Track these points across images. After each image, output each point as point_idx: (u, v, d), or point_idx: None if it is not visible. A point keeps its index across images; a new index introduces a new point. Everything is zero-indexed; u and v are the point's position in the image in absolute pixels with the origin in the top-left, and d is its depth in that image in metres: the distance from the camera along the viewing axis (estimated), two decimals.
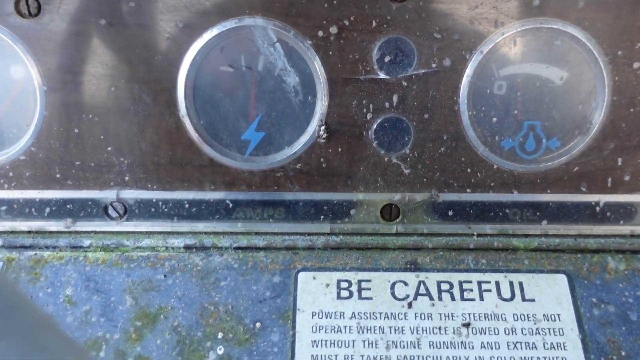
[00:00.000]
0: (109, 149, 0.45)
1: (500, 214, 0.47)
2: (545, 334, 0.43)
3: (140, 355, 0.40)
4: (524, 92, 0.46)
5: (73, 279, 0.45)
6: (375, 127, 0.46)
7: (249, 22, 0.44)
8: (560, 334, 0.42)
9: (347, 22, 0.44)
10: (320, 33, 0.45)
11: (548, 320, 0.44)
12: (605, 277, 0.45)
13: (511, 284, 0.45)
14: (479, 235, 0.48)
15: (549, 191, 0.47)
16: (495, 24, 0.44)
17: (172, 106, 0.45)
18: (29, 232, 0.48)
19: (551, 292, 0.45)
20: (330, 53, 0.45)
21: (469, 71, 0.46)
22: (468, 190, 0.47)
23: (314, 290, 0.44)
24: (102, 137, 0.45)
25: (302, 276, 0.45)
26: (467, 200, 0.47)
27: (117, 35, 0.44)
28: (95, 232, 0.46)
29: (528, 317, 0.43)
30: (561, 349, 0.42)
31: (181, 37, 0.44)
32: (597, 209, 0.47)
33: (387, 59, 0.45)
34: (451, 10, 0.44)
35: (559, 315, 0.45)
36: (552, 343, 0.42)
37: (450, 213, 0.47)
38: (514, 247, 0.47)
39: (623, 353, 0.41)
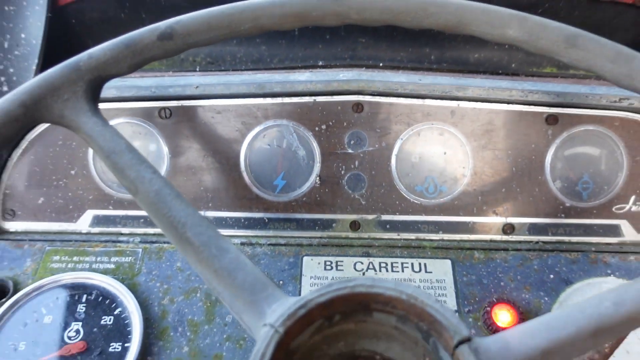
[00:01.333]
0: (201, 188, 0.82)
1: (416, 227, 0.82)
2: (436, 289, 0.76)
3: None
4: (428, 160, 0.82)
5: (181, 258, 0.79)
6: (346, 178, 0.82)
7: (280, 122, 0.82)
8: (444, 289, 0.76)
9: (330, 123, 0.82)
10: (317, 128, 0.82)
11: (438, 282, 0.77)
12: (472, 262, 0.80)
13: (420, 264, 0.78)
14: (404, 239, 0.83)
15: (442, 215, 0.83)
16: (409, 124, 0.81)
17: (237, 166, 0.82)
18: (154, 234, 0.83)
19: (442, 269, 0.79)
20: (322, 138, 0.82)
21: (395, 150, 0.82)
22: (397, 214, 0.82)
23: (312, 266, 0.78)
24: (200, 186, 0.82)
25: (306, 259, 0.80)
26: (398, 219, 0.81)
27: (209, 128, 0.81)
28: None
29: (427, 281, 0.77)
30: (444, 297, 0.76)
31: (243, 129, 0.81)
32: (469, 225, 0.82)
33: (352, 142, 0.81)
34: (387, 116, 0.82)
35: (444, 279, 0.79)
36: (439, 294, 0.76)
37: (387, 226, 0.82)
38: (423, 246, 0.81)
39: (477, 298, 0.75)
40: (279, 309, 0.42)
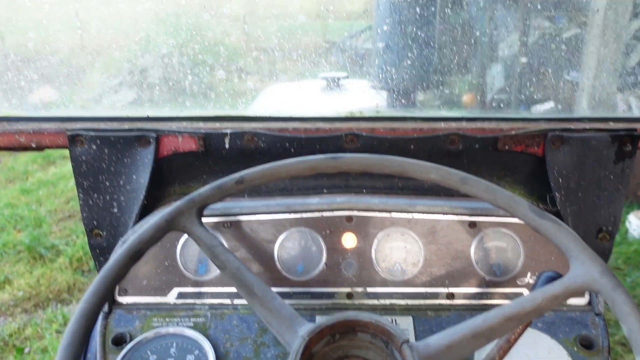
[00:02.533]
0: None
1: (390, 295, 1.22)
2: None
3: None
4: (395, 251, 1.26)
5: (236, 318, 1.20)
6: (343, 264, 1.22)
7: (300, 229, 1.26)
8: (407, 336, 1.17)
9: (332, 229, 1.27)
10: (323, 232, 1.26)
11: (404, 330, 1.18)
12: (426, 317, 1.20)
13: (392, 320, 1.19)
14: (381, 304, 1.24)
15: (406, 287, 1.25)
16: (382, 229, 1.26)
17: (272, 258, 1.24)
18: (218, 304, 1.24)
19: (406, 322, 1.19)
20: (327, 239, 1.25)
21: (375, 245, 1.26)
22: (377, 286, 1.22)
23: None
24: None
25: (317, 317, 1.21)
26: (378, 291, 1.22)
27: (254, 234, 1.25)
28: None
29: None
30: None
31: (276, 233, 1.25)
32: (424, 293, 1.23)
33: (346, 241, 1.26)
34: (368, 224, 1.27)
35: (408, 329, 1.19)
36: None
37: (371, 295, 1.23)
38: (394, 308, 1.21)
39: None
40: (305, 328, 0.84)
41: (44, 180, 5.02)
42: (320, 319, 0.80)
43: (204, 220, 1.21)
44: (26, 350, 2.90)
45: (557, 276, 0.90)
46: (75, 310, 0.82)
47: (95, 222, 1.29)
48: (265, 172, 1.02)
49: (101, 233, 1.30)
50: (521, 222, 1.18)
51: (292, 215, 1.22)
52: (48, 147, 1.35)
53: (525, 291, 1.20)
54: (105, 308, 1.19)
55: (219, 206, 1.23)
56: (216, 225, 1.23)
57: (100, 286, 0.85)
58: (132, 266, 0.90)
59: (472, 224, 1.21)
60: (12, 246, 3.88)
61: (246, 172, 1.02)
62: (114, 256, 0.89)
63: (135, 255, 0.91)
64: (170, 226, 0.96)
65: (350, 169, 1.02)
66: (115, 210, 1.29)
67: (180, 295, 1.21)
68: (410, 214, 1.22)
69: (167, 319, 1.17)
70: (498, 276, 1.21)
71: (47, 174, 5.15)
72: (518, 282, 1.20)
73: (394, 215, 1.22)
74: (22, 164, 5.29)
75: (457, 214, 1.21)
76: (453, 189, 0.97)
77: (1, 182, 5.10)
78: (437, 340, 0.81)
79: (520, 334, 0.95)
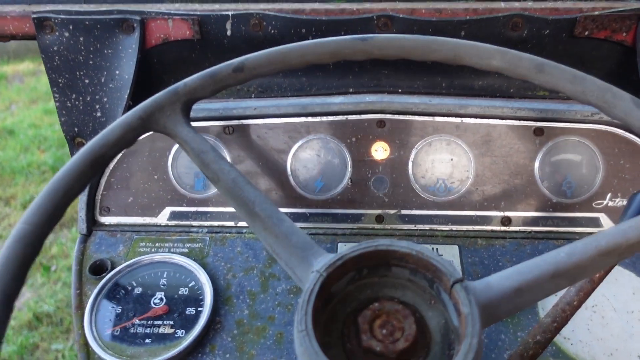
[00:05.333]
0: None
1: (430, 220, 1.00)
2: None
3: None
4: (438, 165, 1.01)
5: (240, 244, 0.99)
6: (372, 180, 1.01)
7: (319, 136, 1.02)
8: None
9: (359, 136, 1.02)
10: (348, 141, 1.02)
11: None
12: (475, 247, 0.97)
13: (432, 249, 0.96)
14: (419, 229, 1.01)
15: (451, 210, 1.01)
16: (422, 137, 1.00)
17: (284, 171, 1.01)
18: (219, 226, 1.03)
19: (450, 252, 0.97)
20: (353, 149, 1.01)
21: (412, 157, 1.01)
22: (414, 209, 1.00)
23: None
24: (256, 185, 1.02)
25: (340, 245, 0.97)
26: (414, 213, 1.00)
27: (263, 142, 1.02)
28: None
29: None
30: None
31: (289, 142, 1.01)
32: (473, 218, 0.99)
33: (376, 151, 1.00)
34: (404, 130, 1.01)
35: (452, 261, 0.96)
36: None
37: (406, 219, 1.00)
38: (435, 235, 0.98)
39: (479, 275, 0.92)
40: (323, 261, 0.61)
41: None
42: (343, 248, 0.56)
43: (199, 124, 0.98)
44: (52, 268, 2.86)
45: None
46: (10, 233, 0.59)
47: (76, 129, 1.06)
48: (272, 57, 0.76)
49: (84, 142, 1.07)
50: (603, 128, 0.91)
51: (310, 119, 0.97)
52: (14, 37, 1.10)
53: (603, 216, 0.95)
54: (83, 230, 0.98)
55: (218, 106, 0.99)
56: (215, 131, 0.99)
57: (46, 202, 0.62)
58: (93, 177, 0.67)
59: (539, 131, 0.95)
60: (36, 166, 3.80)
61: (247, 57, 0.76)
62: (67, 164, 0.66)
63: (97, 162, 0.68)
64: (145, 126, 0.72)
65: (385, 55, 0.75)
66: (99, 114, 1.05)
67: (173, 216, 0.99)
68: (458, 118, 0.96)
69: (156, 244, 0.96)
70: (568, 197, 0.95)
71: None
72: (594, 206, 0.95)
73: (438, 119, 0.96)
74: (44, 85, 5.10)
75: (519, 119, 0.95)
76: (523, 79, 0.71)
77: (25, 103, 4.95)
78: (502, 280, 0.57)
79: (608, 272, 0.71)
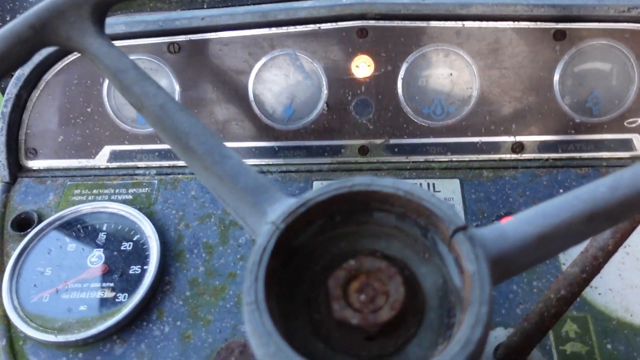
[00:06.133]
0: (213, 120, 0.84)
1: (424, 149, 0.82)
2: None
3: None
4: (434, 82, 0.82)
5: (194, 187, 0.82)
6: (353, 104, 0.82)
7: (286, 51, 0.83)
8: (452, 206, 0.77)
9: (336, 50, 0.83)
10: (322, 56, 0.82)
11: (447, 200, 0.78)
12: (480, 180, 0.80)
13: (428, 184, 0.79)
14: (412, 162, 0.83)
15: (450, 136, 0.83)
16: (414, 47, 0.81)
17: (245, 97, 0.82)
18: (169, 166, 0.86)
19: (450, 187, 0.80)
20: (328, 66, 0.82)
21: (401, 74, 0.82)
22: (405, 137, 0.82)
23: None
24: (212, 118, 0.84)
25: (316, 184, 0.80)
26: (406, 142, 0.82)
27: (217, 61, 0.83)
28: None
29: None
30: None
31: (250, 60, 0.82)
32: (478, 145, 0.82)
33: (358, 67, 0.82)
34: (391, 40, 0.82)
35: (452, 197, 0.79)
36: None
37: (396, 150, 0.82)
38: (432, 167, 0.81)
39: (485, 214, 0.76)
40: (280, 208, 0.43)
41: None
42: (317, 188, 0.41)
43: (135, 42, 0.78)
44: None
45: None
46: None
47: None
48: None
49: None
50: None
51: (274, 30, 0.78)
52: None
53: (638, 138, 0.77)
54: (6, 177, 0.80)
55: (157, 18, 0.79)
56: (156, 50, 0.80)
57: None
58: None
59: (559, 34, 0.76)
60: None
61: None
62: None
63: None
64: (40, 37, 0.54)
65: None
66: None
67: (114, 156, 0.82)
68: (459, 21, 0.77)
69: (94, 191, 0.79)
70: (595, 116, 0.78)
71: None
72: (627, 125, 0.77)
73: (433, 24, 0.77)
74: None
75: (534, 19, 0.76)
76: None
77: None
78: (522, 225, 0.41)
79: None
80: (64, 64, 0.81)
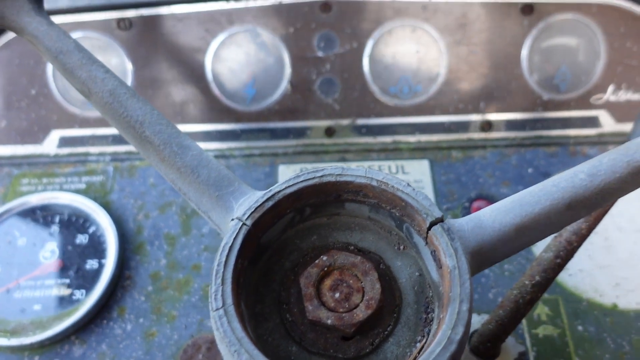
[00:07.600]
0: (169, 102, 0.79)
1: (392, 130, 0.80)
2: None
3: None
4: (401, 59, 0.80)
5: (153, 174, 0.78)
6: (318, 83, 0.79)
7: (246, 27, 0.78)
8: (422, 189, 0.76)
9: (298, 26, 0.78)
10: (285, 32, 0.78)
11: (416, 182, 0.77)
12: (450, 161, 0.79)
13: (397, 166, 0.77)
14: (380, 142, 0.81)
15: (418, 116, 0.81)
16: (379, 23, 0.78)
17: (203, 76, 0.77)
18: (125, 152, 0.81)
19: (419, 169, 0.78)
20: (291, 42, 0.78)
21: (367, 51, 0.79)
22: (372, 117, 0.80)
23: (288, 174, 0.77)
24: (168, 100, 0.78)
25: (281, 167, 0.77)
26: (373, 123, 0.79)
27: (172, 38, 0.77)
28: None
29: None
30: None
31: (207, 37, 0.77)
32: (446, 124, 0.80)
33: (322, 44, 0.78)
34: (356, 15, 0.78)
35: (422, 179, 0.78)
36: None
37: (363, 130, 0.80)
38: (400, 148, 0.80)
39: (455, 196, 0.75)
40: (246, 202, 0.40)
41: None
42: (286, 172, 0.40)
43: (81, 17, 0.72)
44: None
45: None
46: None
47: None
48: None
49: None
50: (607, 2, 0.71)
51: (232, 5, 0.73)
52: None
53: (603, 114, 0.77)
54: None
55: None
56: (105, 27, 0.74)
57: None
58: None
59: (527, 9, 0.74)
60: None
61: None
62: None
63: None
64: None
65: None
66: None
67: (64, 142, 0.76)
68: None
69: (43, 180, 0.74)
70: (562, 92, 0.77)
71: None
72: (592, 102, 0.76)
73: None
74: None
75: None
76: None
77: None
78: (499, 215, 0.40)
79: None
80: (2, 43, 0.75)
